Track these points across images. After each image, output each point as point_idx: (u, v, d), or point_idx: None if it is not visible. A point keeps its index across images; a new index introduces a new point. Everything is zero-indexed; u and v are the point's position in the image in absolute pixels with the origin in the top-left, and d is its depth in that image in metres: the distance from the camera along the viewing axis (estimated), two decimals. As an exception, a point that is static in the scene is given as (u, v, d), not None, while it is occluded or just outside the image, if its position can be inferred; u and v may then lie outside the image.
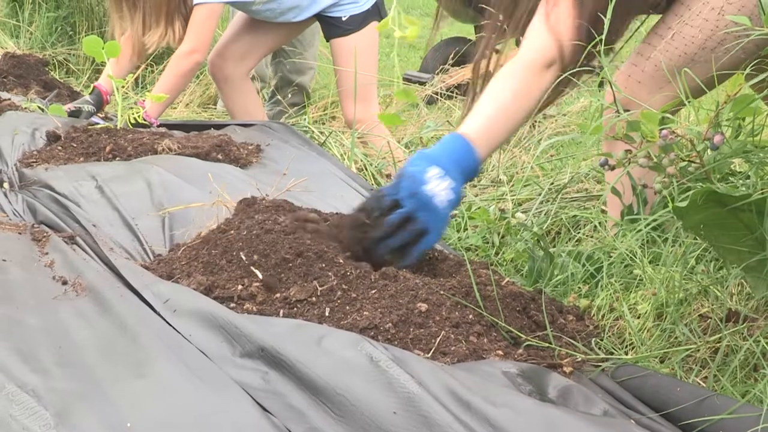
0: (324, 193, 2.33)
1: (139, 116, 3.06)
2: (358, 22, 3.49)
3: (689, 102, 1.65)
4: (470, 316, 1.59)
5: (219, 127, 3.02)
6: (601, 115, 1.85)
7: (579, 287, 1.94)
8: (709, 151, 1.57)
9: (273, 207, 1.87)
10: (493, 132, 1.85)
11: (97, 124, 2.80)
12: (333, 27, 3.53)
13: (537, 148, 3.40)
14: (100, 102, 3.32)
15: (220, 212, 1.92)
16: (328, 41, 3.60)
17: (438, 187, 1.71)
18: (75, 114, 3.15)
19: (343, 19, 3.49)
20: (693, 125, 1.65)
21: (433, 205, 1.71)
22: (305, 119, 3.50)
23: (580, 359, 1.57)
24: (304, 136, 2.92)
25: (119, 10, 3.35)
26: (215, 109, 4.83)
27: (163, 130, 2.83)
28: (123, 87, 2.89)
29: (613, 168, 1.69)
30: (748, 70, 1.60)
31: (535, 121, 3.89)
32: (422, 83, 5.02)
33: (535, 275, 2.06)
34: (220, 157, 2.55)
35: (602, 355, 1.59)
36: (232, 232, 1.75)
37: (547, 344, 1.59)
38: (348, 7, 3.48)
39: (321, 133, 3.19)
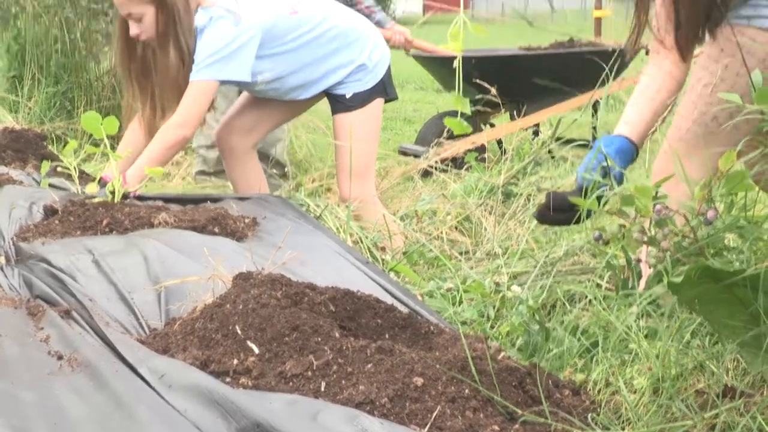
0: (319, 267, 2.33)
1: (119, 183, 2.96)
2: (362, 99, 3.51)
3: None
4: (466, 391, 1.59)
5: (215, 200, 3.03)
6: (595, 190, 1.87)
7: (575, 361, 1.94)
8: (702, 226, 1.59)
9: (269, 281, 1.87)
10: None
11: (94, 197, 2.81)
12: (337, 103, 3.56)
13: (532, 221, 3.42)
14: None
15: (216, 286, 1.92)
16: (333, 115, 3.61)
17: None
18: None
19: (347, 96, 3.52)
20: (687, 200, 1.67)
21: None
22: (301, 192, 3.52)
23: (577, 435, 1.56)
24: (300, 209, 2.94)
25: (130, 89, 3.38)
26: (211, 180, 4.87)
27: (159, 203, 2.85)
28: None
29: (607, 243, 1.71)
30: (740, 147, 1.63)
31: (530, 194, 3.93)
32: (417, 156, 5.06)
33: (531, 349, 2.06)
34: (216, 230, 2.56)
35: (599, 431, 1.58)
36: (228, 306, 1.75)
37: (543, 419, 1.58)
38: (352, 85, 3.50)
39: (317, 206, 3.20)
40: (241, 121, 3.68)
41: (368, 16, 4.71)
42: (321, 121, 5.47)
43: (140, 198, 2.98)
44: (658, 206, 1.55)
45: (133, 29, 3.26)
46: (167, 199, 3.03)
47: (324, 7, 3.53)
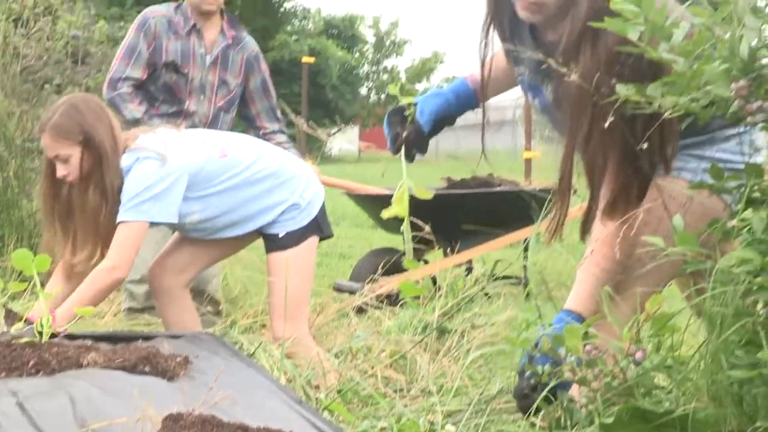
0: (252, 406, 2.29)
1: (48, 324, 2.87)
2: (296, 238, 3.51)
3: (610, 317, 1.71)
4: None
5: (147, 338, 2.99)
6: (528, 328, 1.89)
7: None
8: (632, 366, 1.61)
9: (199, 422, 1.83)
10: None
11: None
12: (270, 242, 3.55)
13: (466, 357, 3.43)
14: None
15: (145, 428, 1.88)
16: (267, 254, 3.60)
17: None
18: None
19: (280, 235, 3.52)
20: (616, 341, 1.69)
21: None
22: (235, 330, 3.49)
23: None
24: (233, 347, 2.90)
25: (52, 230, 3.35)
26: (144, 317, 4.80)
27: (89, 342, 2.79)
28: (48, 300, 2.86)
29: (539, 381, 1.72)
30: (665, 290, 1.67)
31: (464, 330, 3.94)
32: (352, 292, 5.06)
33: (466, 491, 2.04)
34: (147, 369, 2.51)
35: None
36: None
37: None
38: (285, 224, 3.51)
39: (251, 344, 3.17)
40: (174, 259, 3.67)
41: None
42: (257, 256, 5.47)
43: (70, 337, 2.93)
44: (588, 346, 1.57)
45: (60, 170, 3.26)
46: (98, 338, 2.97)
47: (255, 149, 3.56)
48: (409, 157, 2.55)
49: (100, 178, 3.26)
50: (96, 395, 2.15)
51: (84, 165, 3.25)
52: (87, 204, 3.28)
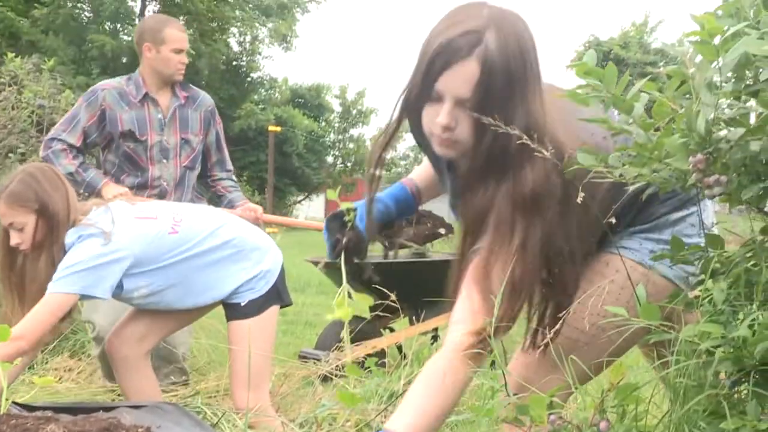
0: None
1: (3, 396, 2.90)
2: (256, 307, 3.50)
3: (576, 388, 1.71)
4: None
5: (108, 408, 2.95)
6: (494, 397, 1.89)
7: None
8: (596, 436, 1.61)
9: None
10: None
11: None
12: (231, 310, 3.53)
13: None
14: None
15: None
16: (228, 322, 3.58)
17: None
18: None
19: (242, 304, 3.50)
20: (581, 410, 1.70)
21: None
22: (198, 399, 3.45)
23: None
24: (197, 417, 2.87)
25: (10, 299, 3.31)
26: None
27: (49, 414, 2.75)
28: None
29: (505, 454, 1.71)
30: (630, 359, 1.68)
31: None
32: (317, 360, 5.03)
33: None
34: (108, 441, 2.47)
35: None
36: None
37: None
38: (245, 294, 3.50)
39: (214, 414, 3.14)
40: (132, 329, 3.63)
41: (222, 195, 4.86)
42: (221, 324, 5.44)
43: (29, 408, 2.88)
44: (552, 416, 1.58)
45: (14, 239, 3.25)
46: (58, 409, 2.93)
47: (208, 222, 3.53)
48: (349, 264, 2.52)
49: (50, 248, 3.24)
50: (55, 468, 2.11)
51: (37, 234, 3.24)
52: (38, 274, 3.25)
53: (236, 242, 3.51)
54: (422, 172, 2.46)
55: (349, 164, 41.55)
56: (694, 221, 2.16)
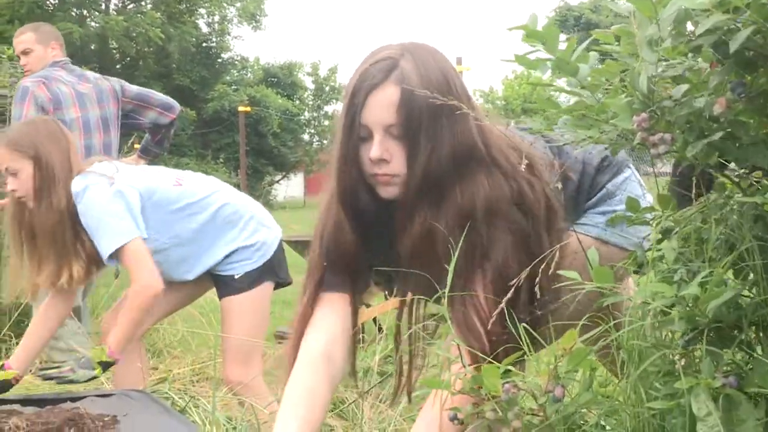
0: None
1: (104, 354, 3.12)
2: (250, 280, 3.50)
3: (531, 355, 1.69)
4: None
5: (76, 399, 2.92)
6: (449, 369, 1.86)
7: None
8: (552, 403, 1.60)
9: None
10: None
11: None
12: (225, 286, 3.53)
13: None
14: (5, 384, 3.31)
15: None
16: (220, 299, 3.57)
17: None
18: None
19: (235, 277, 3.50)
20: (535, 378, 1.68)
21: None
22: (166, 385, 3.43)
23: None
24: (165, 403, 2.84)
25: (19, 253, 3.38)
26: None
27: (14, 406, 2.72)
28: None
29: (462, 422, 1.70)
30: (583, 322, 1.67)
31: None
32: (293, 340, 5.01)
33: None
34: None
35: None
36: None
37: None
38: (241, 264, 3.50)
39: (181, 399, 3.12)
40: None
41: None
42: (197, 310, 5.42)
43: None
44: (506, 385, 1.56)
45: (10, 184, 3.32)
46: (25, 401, 2.91)
47: (210, 185, 3.58)
48: None
49: (49, 196, 3.29)
50: (15, 463, 2.09)
51: (35, 183, 3.30)
52: (42, 224, 3.31)
53: (233, 209, 3.53)
54: None
55: (324, 141, 41.46)
56: (635, 183, 2.21)
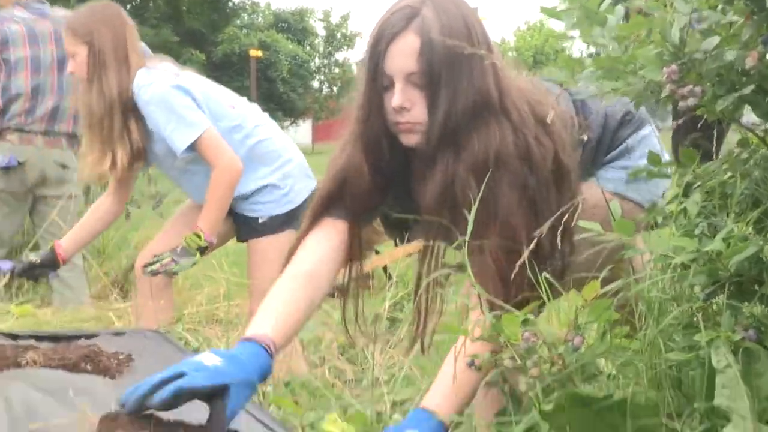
0: (194, 402, 2.26)
1: (201, 240, 3.22)
2: (276, 225, 3.53)
3: (550, 304, 1.70)
4: None
5: (90, 336, 2.94)
6: (468, 316, 1.87)
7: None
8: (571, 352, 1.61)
9: (137, 421, 1.79)
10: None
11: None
12: (248, 228, 3.58)
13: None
14: (53, 258, 3.44)
15: (83, 428, 1.84)
16: (245, 241, 3.62)
17: None
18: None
19: (260, 221, 3.53)
20: (556, 327, 1.69)
21: None
22: (180, 326, 3.46)
23: None
24: (179, 343, 2.87)
25: (87, 137, 3.48)
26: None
27: (30, 341, 2.74)
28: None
29: (479, 369, 1.71)
30: (604, 274, 1.67)
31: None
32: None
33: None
34: (88, 368, 2.47)
35: None
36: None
37: None
38: (268, 207, 3.54)
39: (195, 339, 3.14)
40: (162, 248, 3.66)
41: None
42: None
43: (12, 336, 2.88)
44: (526, 333, 1.57)
45: (69, 66, 3.44)
46: (40, 337, 2.93)
47: (259, 117, 3.61)
48: None
49: (99, 82, 3.36)
50: (33, 396, 2.11)
51: (89, 65, 3.38)
52: (91, 108, 3.39)
53: (275, 146, 3.57)
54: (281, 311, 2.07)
55: (334, 88, 41.29)
56: (654, 140, 2.22)
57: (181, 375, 1.75)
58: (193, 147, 3.30)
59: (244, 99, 3.73)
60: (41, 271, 3.57)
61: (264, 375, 1.87)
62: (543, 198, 1.93)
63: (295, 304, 2.05)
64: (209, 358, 1.80)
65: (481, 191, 1.87)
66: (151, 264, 3.35)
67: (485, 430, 2.03)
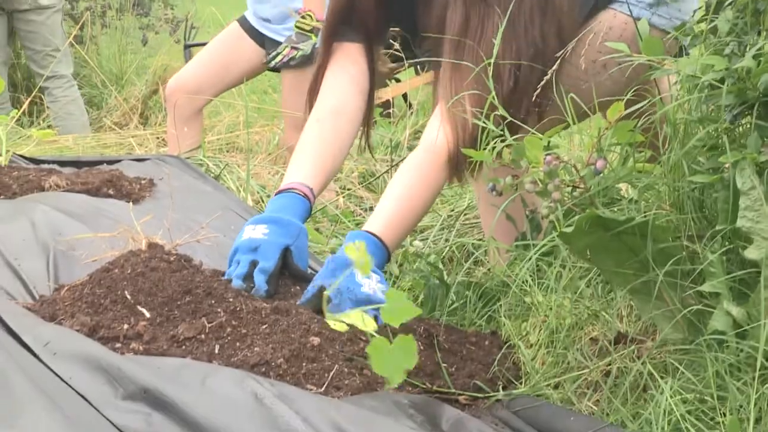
0: (221, 229, 2.28)
1: (313, 19, 3.30)
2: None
3: (574, 125, 1.67)
4: (364, 349, 1.57)
5: (112, 162, 2.95)
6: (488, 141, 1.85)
7: (474, 319, 1.94)
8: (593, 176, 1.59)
9: (177, 260, 1.79)
10: (398, 228, 1.93)
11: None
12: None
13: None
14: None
15: (118, 244, 1.86)
16: (274, 70, 3.67)
17: (371, 286, 1.74)
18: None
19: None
20: (579, 151, 1.67)
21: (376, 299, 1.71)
22: (200, 152, 3.45)
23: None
24: (199, 169, 2.88)
25: None
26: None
27: (51, 166, 2.75)
28: (8, 123, 2.78)
29: (500, 193, 1.70)
30: (629, 96, 1.63)
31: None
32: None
33: (432, 303, 2.06)
34: (111, 192, 2.48)
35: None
36: (116, 270, 1.70)
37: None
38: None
39: (216, 165, 3.14)
40: (190, 80, 3.70)
41: None
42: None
43: (34, 161, 2.90)
44: (548, 157, 1.55)
45: None
46: (62, 163, 2.94)
47: None
48: None
49: None
50: (58, 218, 2.12)
51: None
52: None
53: None
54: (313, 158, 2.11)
55: None
56: None
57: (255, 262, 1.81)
58: None
59: None
60: None
61: (305, 218, 1.96)
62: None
63: (325, 147, 2.08)
64: (257, 231, 1.86)
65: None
66: (272, 59, 3.40)
67: (503, 254, 2.05)
